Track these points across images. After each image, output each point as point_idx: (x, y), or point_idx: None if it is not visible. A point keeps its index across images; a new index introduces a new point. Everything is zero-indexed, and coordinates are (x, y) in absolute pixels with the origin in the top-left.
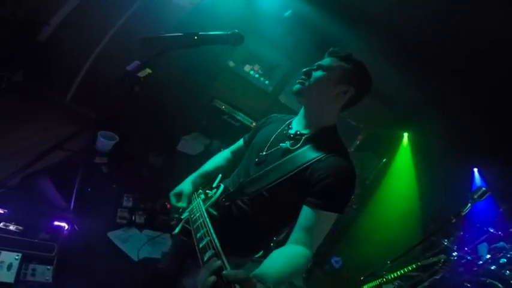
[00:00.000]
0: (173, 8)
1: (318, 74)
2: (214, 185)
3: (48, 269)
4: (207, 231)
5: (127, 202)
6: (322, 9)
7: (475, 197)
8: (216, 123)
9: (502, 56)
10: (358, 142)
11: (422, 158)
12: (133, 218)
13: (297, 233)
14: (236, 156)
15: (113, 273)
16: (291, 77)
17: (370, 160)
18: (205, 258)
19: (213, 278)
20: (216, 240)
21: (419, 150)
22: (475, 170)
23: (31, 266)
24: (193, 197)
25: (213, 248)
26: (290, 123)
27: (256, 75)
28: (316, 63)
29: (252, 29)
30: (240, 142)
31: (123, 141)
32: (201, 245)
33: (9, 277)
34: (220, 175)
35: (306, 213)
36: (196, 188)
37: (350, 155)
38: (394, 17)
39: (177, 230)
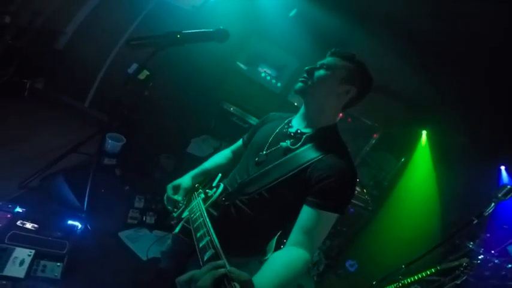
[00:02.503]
0: (178, 12)
1: (321, 72)
2: (214, 185)
3: (58, 266)
4: (207, 230)
5: (138, 203)
6: (328, 7)
7: (499, 195)
8: (224, 125)
9: None
10: (373, 141)
11: (443, 157)
12: (144, 219)
13: (296, 234)
14: (236, 156)
15: (121, 272)
16: (299, 76)
17: (387, 160)
18: (205, 258)
19: (211, 276)
20: (216, 240)
21: (439, 149)
22: (503, 168)
23: (42, 262)
24: (193, 197)
25: (213, 248)
26: (290, 122)
27: (264, 75)
28: (319, 62)
29: (258, 30)
30: (240, 142)
31: (132, 143)
32: (200, 245)
33: (20, 272)
34: (220, 174)
35: (305, 213)
36: (195, 183)
37: (366, 154)
38: (404, 14)
39: (177, 230)
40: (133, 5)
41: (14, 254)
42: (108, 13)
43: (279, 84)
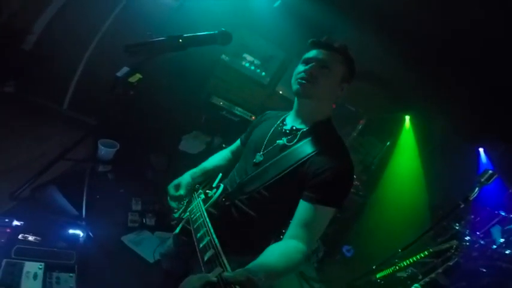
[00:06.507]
0: (158, 7)
1: (322, 74)
2: (214, 185)
3: (70, 277)
4: (207, 231)
5: (136, 205)
6: None
7: (482, 180)
8: (215, 119)
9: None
10: (360, 127)
11: (426, 140)
12: (144, 221)
13: (293, 227)
14: (235, 156)
15: (132, 277)
16: (286, 67)
17: (373, 145)
18: (206, 258)
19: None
20: (216, 240)
21: (423, 133)
22: (481, 149)
23: (54, 274)
24: (193, 197)
25: (213, 248)
26: (284, 120)
27: (252, 68)
28: (316, 56)
29: (244, 22)
30: (238, 142)
31: (124, 147)
32: (201, 245)
33: (36, 286)
34: (220, 175)
35: (303, 207)
36: (195, 182)
37: (354, 140)
38: (388, 2)
39: (177, 230)
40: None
41: (25, 269)
42: (77, 11)
43: (264, 75)
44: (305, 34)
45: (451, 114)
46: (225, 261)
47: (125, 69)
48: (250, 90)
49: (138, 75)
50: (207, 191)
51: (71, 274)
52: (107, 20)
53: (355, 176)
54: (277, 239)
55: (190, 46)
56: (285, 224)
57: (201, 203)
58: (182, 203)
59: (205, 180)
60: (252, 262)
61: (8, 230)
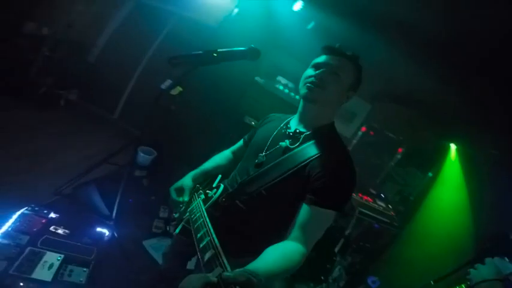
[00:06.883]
0: (200, 28)
1: (332, 80)
2: (214, 185)
3: (84, 271)
4: (207, 231)
5: (163, 213)
6: (345, 18)
7: None
8: None
9: None
10: (398, 156)
11: (475, 170)
12: (167, 228)
13: (293, 229)
14: (237, 156)
15: (142, 280)
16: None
17: (414, 175)
18: (206, 258)
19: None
20: (216, 240)
21: (470, 162)
22: None
23: (69, 267)
24: (193, 197)
25: (213, 248)
26: (288, 123)
27: (286, 91)
28: (328, 64)
29: (277, 43)
30: (241, 142)
31: (161, 156)
32: (201, 245)
33: (47, 276)
34: (220, 175)
35: (303, 210)
36: (195, 184)
37: (392, 170)
38: (426, 21)
39: (177, 230)
40: (158, 20)
41: (44, 258)
42: (134, 27)
43: (297, 97)
44: None
45: (501, 143)
46: (225, 261)
47: (168, 81)
48: (282, 111)
49: (179, 88)
50: (207, 191)
51: (85, 269)
52: (157, 40)
53: (390, 206)
54: (277, 240)
55: (223, 60)
56: (285, 226)
57: (201, 203)
58: (182, 204)
59: (206, 180)
60: (251, 263)
61: (43, 221)
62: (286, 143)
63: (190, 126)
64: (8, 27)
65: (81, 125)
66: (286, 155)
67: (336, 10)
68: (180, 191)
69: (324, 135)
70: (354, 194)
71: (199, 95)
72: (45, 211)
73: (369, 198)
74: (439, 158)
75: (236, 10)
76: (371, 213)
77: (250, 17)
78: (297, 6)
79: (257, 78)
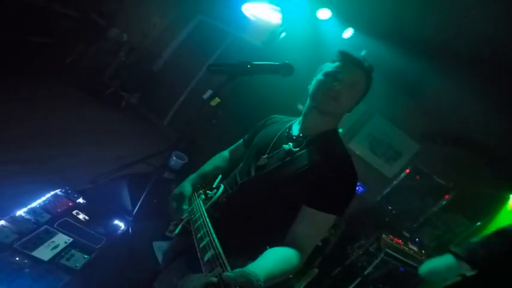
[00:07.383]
0: (250, 47)
1: (348, 93)
2: (214, 186)
3: (84, 258)
4: (207, 231)
5: None
6: (399, 46)
7: None
8: None
9: None
10: (443, 203)
11: None
12: None
13: (292, 233)
14: (235, 157)
15: (138, 279)
16: (365, 122)
17: (458, 222)
18: (206, 259)
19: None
20: (216, 241)
21: None
22: None
23: (72, 251)
24: (193, 198)
25: (214, 248)
26: (291, 126)
27: None
28: (348, 76)
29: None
30: (240, 142)
31: (192, 162)
32: (201, 245)
33: (46, 255)
34: (220, 176)
35: (303, 213)
36: (195, 188)
37: (433, 214)
38: (486, 51)
39: (177, 231)
40: (215, 39)
41: (54, 239)
42: (194, 44)
43: (340, 130)
44: (389, 87)
45: None
46: (225, 261)
47: (209, 91)
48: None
49: (217, 99)
50: (207, 191)
51: (86, 256)
52: (212, 56)
53: (423, 251)
54: (277, 241)
55: (256, 73)
56: (285, 228)
57: (201, 203)
58: (182, 213)
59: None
60: (250, 264)
61: (70, 204)
62: (289, 146)
63: (227, 139)
64: (98, 31)
65: (134, 126)
66: (289, 159)
67: (391, 40)
68: (181, 198)
69: (328, 140)
70: (384, 235)
71: (240, 110)
72: (76, 195)
73: (400, 241)
74: (494, 207)
75: (284, 34)
76: (398, 256)
77: (297, 40)
78: (348, 33)
79: (299, 106)
